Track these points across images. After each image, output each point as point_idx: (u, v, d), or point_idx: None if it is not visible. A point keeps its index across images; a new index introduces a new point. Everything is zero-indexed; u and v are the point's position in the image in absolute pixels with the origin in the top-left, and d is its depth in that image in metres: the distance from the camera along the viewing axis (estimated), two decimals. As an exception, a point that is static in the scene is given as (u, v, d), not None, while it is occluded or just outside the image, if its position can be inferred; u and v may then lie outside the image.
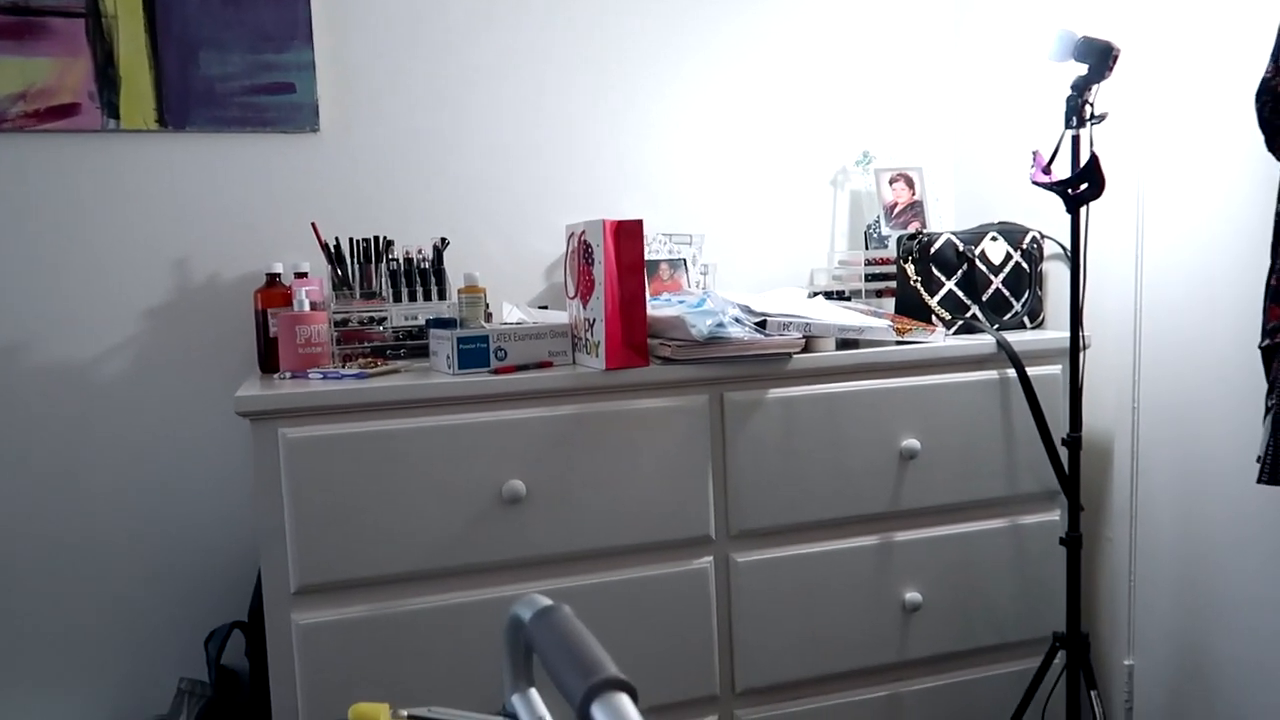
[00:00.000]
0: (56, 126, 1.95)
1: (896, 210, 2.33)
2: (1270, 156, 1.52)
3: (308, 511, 1.61)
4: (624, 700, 0.59)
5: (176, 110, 2.00)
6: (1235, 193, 1.73)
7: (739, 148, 2.39)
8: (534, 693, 0.77)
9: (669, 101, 2.33)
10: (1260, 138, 1.52)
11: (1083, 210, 1.71)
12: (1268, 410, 1.50)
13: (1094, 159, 1.64)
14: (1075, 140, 1.68)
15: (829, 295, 2.19)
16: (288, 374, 1.78)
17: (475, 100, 2.21)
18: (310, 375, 1.76)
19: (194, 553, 2.09)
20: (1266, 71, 1.48)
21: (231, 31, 2.02)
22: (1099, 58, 1.62)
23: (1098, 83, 1.64)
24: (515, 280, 2.24)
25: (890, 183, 2.34)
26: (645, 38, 2.31)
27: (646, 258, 2.18)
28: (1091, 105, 1.66)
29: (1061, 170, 1.71)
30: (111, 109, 1.97)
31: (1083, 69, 1.65)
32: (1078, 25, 1.71)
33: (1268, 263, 1.52)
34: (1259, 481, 1.50)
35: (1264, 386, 1.53)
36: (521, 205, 2.25)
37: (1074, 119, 1.66)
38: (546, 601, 0.69)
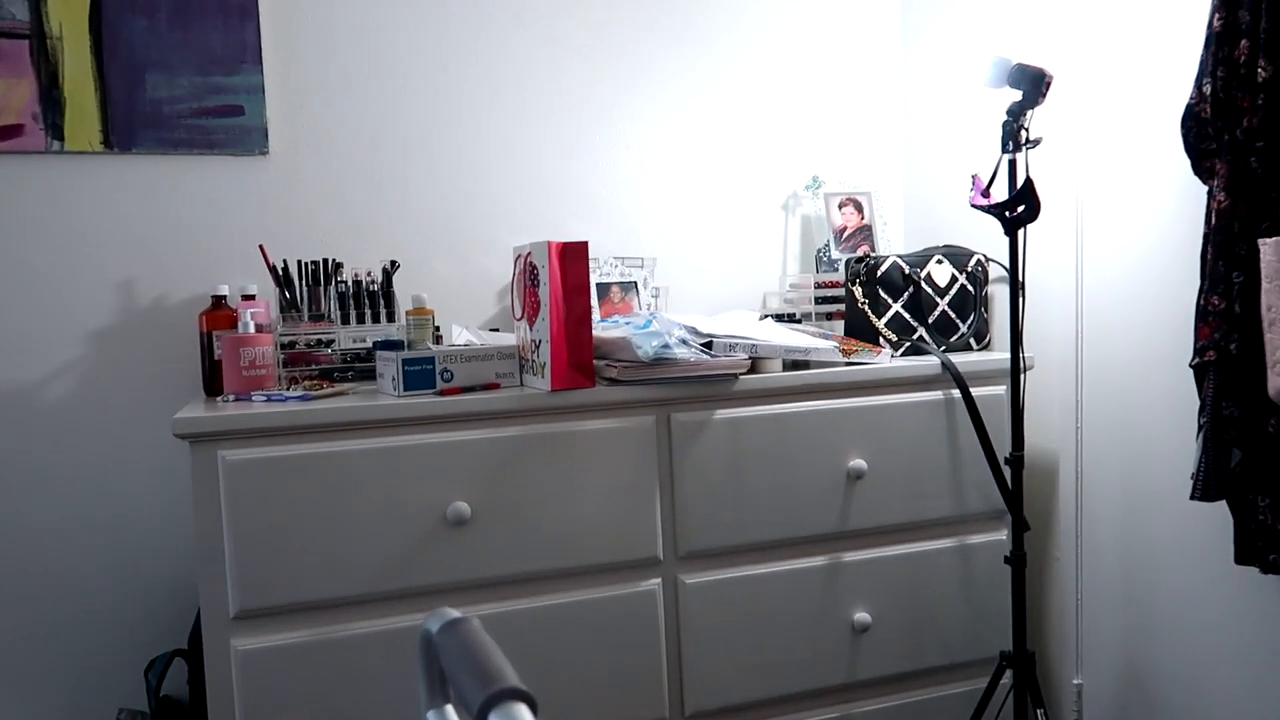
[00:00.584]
0: (0, 147, 1.93)
1: (846, 234, 2.36)
2: (1198, 180, 1.56)
3: (248, 535, 1.59)
4: (521, 710, 0.59)
5: (122, 132, 1.99)
6: (1167, 215, 1.77)
7: (691, 172, 2.41)
8: (449, 709, 0.77)
9: (621, 127, 2.35)
10: (1188, 161, 1.56)
11: (1021, 232, 1.74)
12: (1200, 428, 1.53)
13: (1029, 182, 1.67)
14: (1012, 164, 1.72)
15: (779, 318, 2.21)
16: (231, 396, 1.77)
17: (426, 123, 2.21)
18: (254, 397, 1.74)
19: (135, 579, 2.05)
20: (1191, 98, 1.52)
21: (179, 54, 2.01)
22: (1032, 84, 1.66)
23: (1032, 108, 1.68)
24: (466, 303, 2.24)
25: (840, 207, 2.37)
26: (596, 64, 2.33)
27: (598, 280, 2.20)
28: (1027, 130, 1.69)
29: (1000, 194, 1.74)
30: (56, 130, 1.96)
31: (1018, 95, 1.69)
32: (1019, 53, 1.75)
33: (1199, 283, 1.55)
34: (1192, 498, 1.53)
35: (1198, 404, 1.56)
36: (473, 228, 2.26)
37: (1010, 143, 1.70)
38: (455, 614, 0.69)
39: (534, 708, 0.59)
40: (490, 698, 0.59)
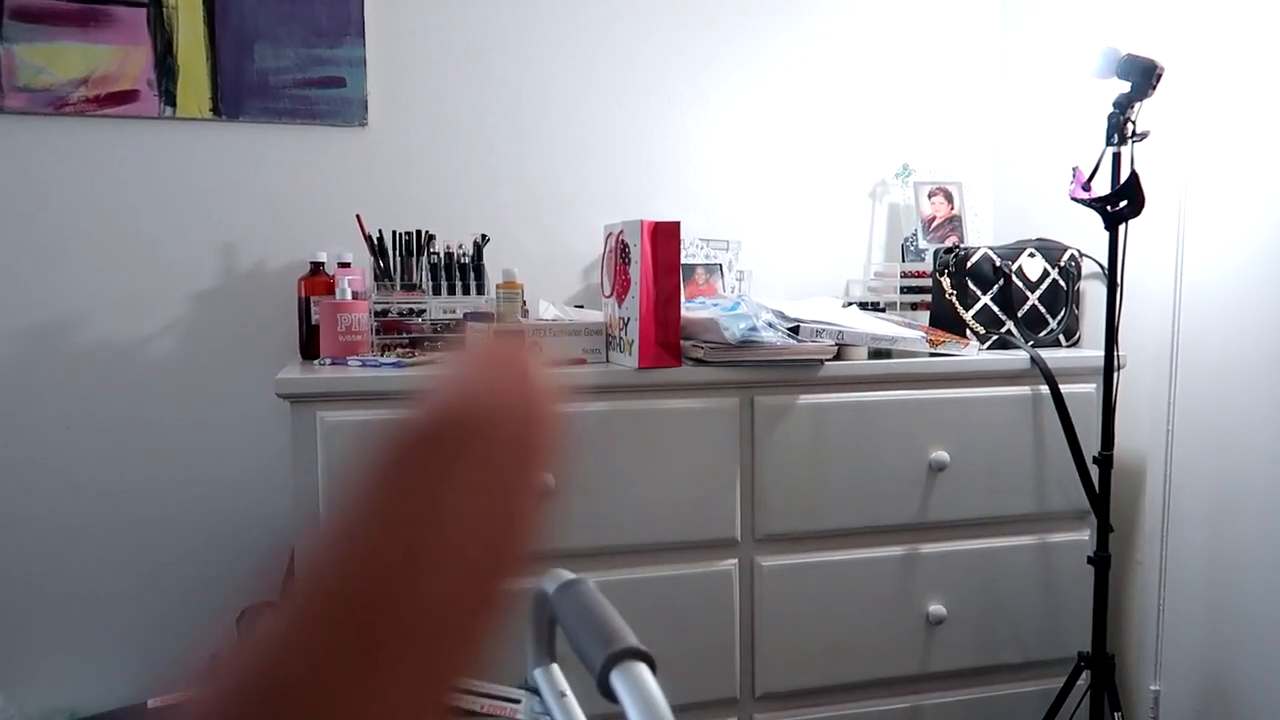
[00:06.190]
0: (116, 112, 2.01)
1: (934, 224, 2.33)
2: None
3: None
4: (643, 669, 0.60)
5: (231, 100, 2.06)
6: (1276, 214, 1.72)
7: (779, 157, 2.41)
8: (555, 667, 0.79)
9: (712, 109, 2.36)
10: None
11: (1121, 228, 1.70)
12: (1303, 435, 1.49)
13: (1134, 177, 1.63)
14: (1116, 157, 1.68)
15: (864, 306, 2.20)
16: (328, 360, 1.82)
17: (521, 101, 2.24)
18: (349, 362, 1.79)
19: (231, 531, 2.13)
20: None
21: (286, 25, 2.07)
22: (1142, 76, 1.62)
23: (1140, 101, 1.64)
24: (553, 279, 2.27)
25: (929, 196, 2.34)
26: (692, 46, 2.33)
27: (683, 261, 2.20)
28: (1133, 123, 1.65)
29: (1101, 187, 1.71)
30: (169, 97, 2.03)
31: (1125, 87, 1.65)
32: (1123, 43, 1.71)
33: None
34: (1292, 506, 1.49)
35: (1300, 411, 1.52)
36: (562, 206, 2.28)
37: (1115, 136, 1.66)
38: (569, 575, 0.71)
39: (654, 668, 0.61)
40: (612, 656, 0.61)
